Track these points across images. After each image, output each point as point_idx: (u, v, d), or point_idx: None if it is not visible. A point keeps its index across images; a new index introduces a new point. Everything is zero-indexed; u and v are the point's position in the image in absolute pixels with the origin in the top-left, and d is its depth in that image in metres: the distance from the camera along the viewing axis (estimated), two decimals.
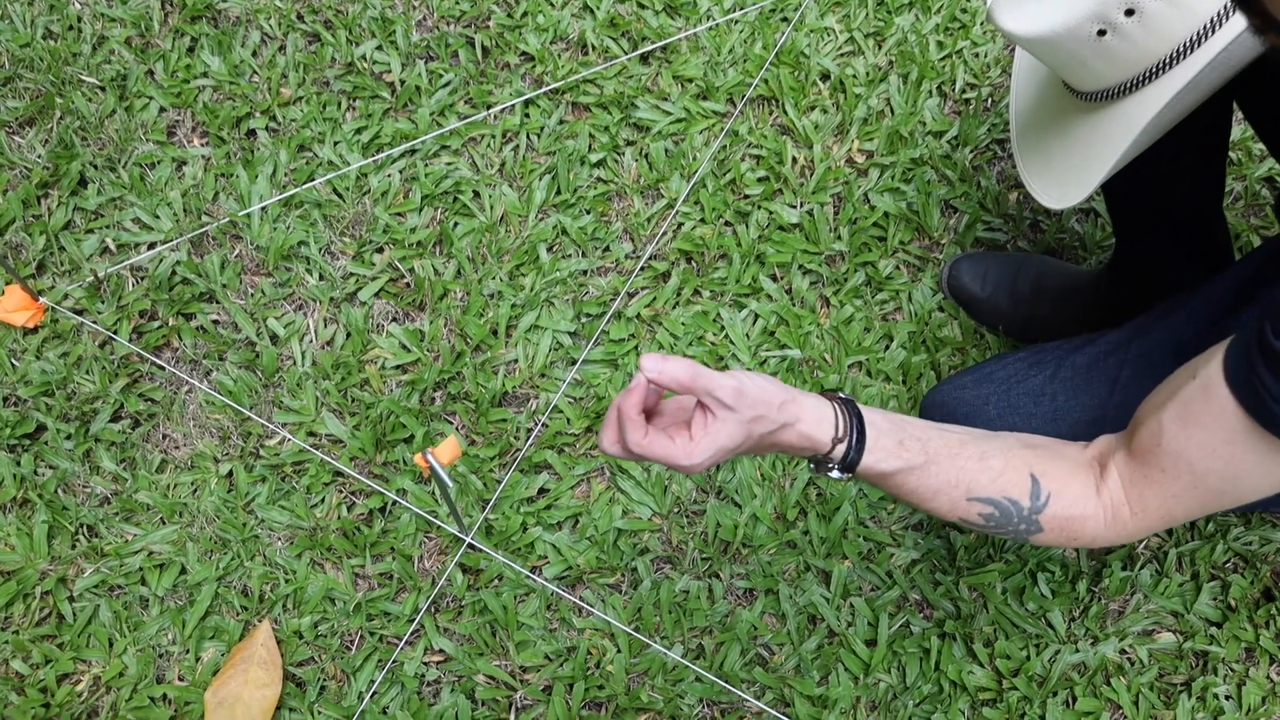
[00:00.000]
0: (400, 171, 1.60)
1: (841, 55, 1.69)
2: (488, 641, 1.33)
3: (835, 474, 0.88)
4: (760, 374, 0.85)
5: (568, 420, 1.44)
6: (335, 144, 1.61)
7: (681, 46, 1.69)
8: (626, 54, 1.68)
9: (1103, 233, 1.57)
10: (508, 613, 1.34)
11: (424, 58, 1.69)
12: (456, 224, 1.56)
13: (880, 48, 1.70)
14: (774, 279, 1.54)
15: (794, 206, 1.58)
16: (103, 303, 1.50)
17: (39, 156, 1.59)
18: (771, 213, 1.58)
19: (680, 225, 1.57)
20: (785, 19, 1.71)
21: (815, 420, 0.86)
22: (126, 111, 1.63)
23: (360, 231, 1.56)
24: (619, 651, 1.32)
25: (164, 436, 1.44)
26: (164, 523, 1.39)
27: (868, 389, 1.46)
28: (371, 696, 1.30)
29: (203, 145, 1.62)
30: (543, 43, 1.69)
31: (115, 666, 1.32)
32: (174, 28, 1.70)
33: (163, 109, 1.64)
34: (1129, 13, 0.88)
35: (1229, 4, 0.86)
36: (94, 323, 1.48)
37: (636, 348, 1.49)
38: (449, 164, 1.60)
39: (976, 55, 1.69)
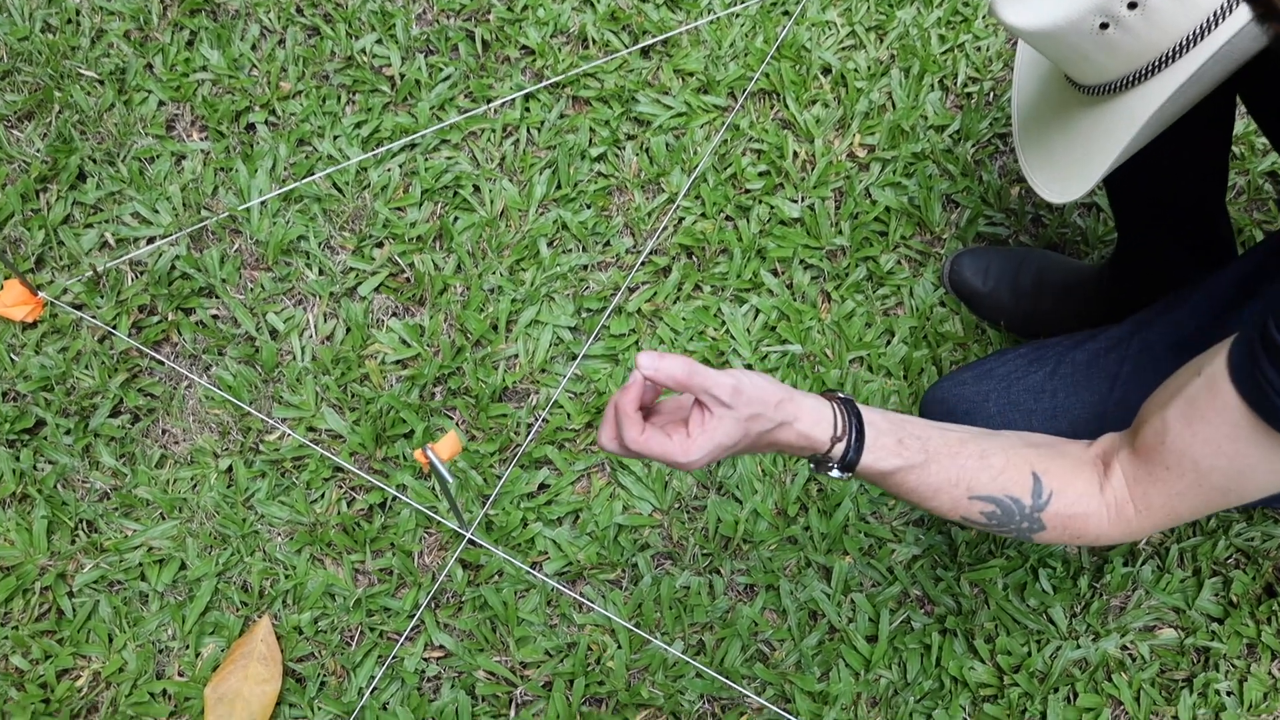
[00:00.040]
0: (400, 166, 1.59)
1: (843, 49, 1.69)
2: (488, 637, 1.33)
3: (835, 473, 0.88)
4: (758, 373, 0.85)
5: (568, 416, 1.44)
6: (335, 138, 1.61)
7: (682, 40, 1.68)
8: (627, 48, 1.68)
9: (1105, 227, 1.56)
10: (508, 608, 1.33)
11: (424, 51, 1.68)
12: (456, 218, 1.56)
13: (882, 41, 1.69)
14: (775, 274, 1.54)
15: (795, 201, 1.58)
16: (102, 297, 1.49)
17: (38, 150, 1.58)
18: (772, 207, 1.57)
19: (681, 220, 1.57)
20: (786, 12, 1.71)
21: (813, 420, 0.86)
22: (125, 105, 1.62)
23: (360, 226, 1.55)
24: (619, 647, 1.32)
25: (163, 431, 1.44)
26: (164, 518, 1.39)
27: (869, 384, 1.45)
28: (372, 692, 1.30)
29: (202, 139, 1.62)
30: (543, 36, 1.68)
31: (115, 662, 1.31)
32: (173, 21, 1.69)
33: (162, 103, 1.63)
34: (1131, 5, 0.87)
35: None
36: (93, 317, 1.48)
37: (637, 343, 1.48)
38: (449, 158, 1.60)
39: (979, 49, 1.68)
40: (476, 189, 1.58)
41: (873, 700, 1.30)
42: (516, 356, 1.48)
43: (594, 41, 1.69)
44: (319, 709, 1.30)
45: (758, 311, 1.51)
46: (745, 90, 1.65)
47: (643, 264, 1.53)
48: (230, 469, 1.41)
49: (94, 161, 1.58)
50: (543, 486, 1.41)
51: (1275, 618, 1.35)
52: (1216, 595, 1.36)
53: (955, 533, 1.38)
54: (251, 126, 1.63)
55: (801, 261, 1.54)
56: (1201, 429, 0.82)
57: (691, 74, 1.66)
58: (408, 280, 1.53)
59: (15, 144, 1.59)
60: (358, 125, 1.62)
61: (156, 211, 1.55)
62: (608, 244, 1.55)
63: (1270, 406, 0.76)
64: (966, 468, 0.90)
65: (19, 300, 1.47)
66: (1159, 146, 1.02)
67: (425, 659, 1.32)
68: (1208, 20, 0.86)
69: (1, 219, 1.54)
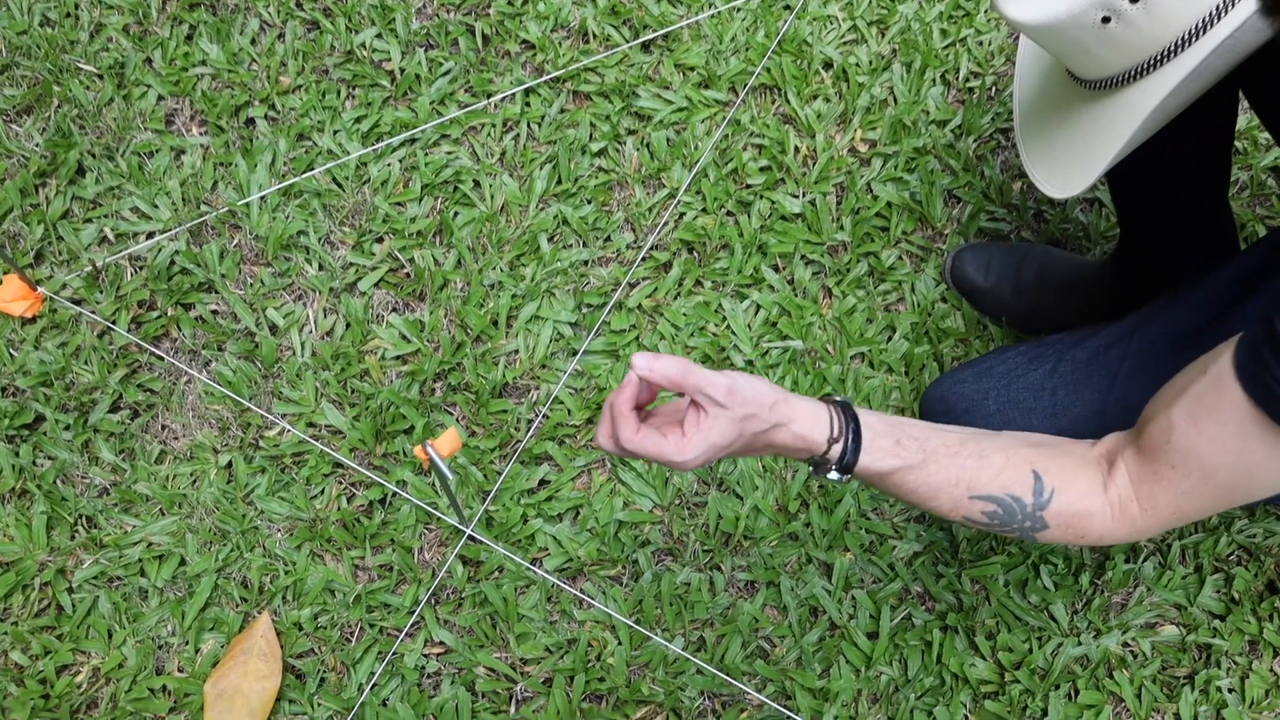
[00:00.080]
0: (400, 160, 1.59)
1: (844, 43, 1.68)
2: (488, 633, 1.32)
3: (834, 475, 0.88)
4: (753, 375, 0.85)
5: (569, 411, 1.44)
6: (335, 133, 1.60)
7: (683, 34, 1.68)
8: (628, 42, 1.67)
9: (1107, 223, 1.56)
10: (508, 605, 1.33)
11: (424, 46, 1.68)
12: (457, 213, 1.55)
13: (883, 36, 1.68)
14: (776, 269, 1.53)
15: (796, 196, 1.57)
16: (101, 292, 1.49)
17: (37, 145, 1.58)
18: (774, 203, 1.57)
19: (682, 215, 1.56)
20: (788, 6, 1.70)
21: (809, 421, 0.86)
22: (124, 100, 1.62)
23: (360, 221, 1.55)
24: (620, 644, 1.32)
25: (163, 427, 1.44)
26: (163, 514, 1.38)
27: (870, 380, 1.45)
28: (372, 688, 1.30)
29: (201, 134, 1.61)
30: (543, 30, 1.68)
31: (114, 658, 1.31)
32: (172, 15, 1.68)
33: (161, 97, 1.63)
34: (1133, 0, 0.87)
35: None
36: (92, 313, 1.47)
37: (638, 338, 1.48)
38: (449, 153, 1.59)
39: (981, 43, 1.68)
40: (477, 184, 1.58)
41: (873, 697, 1.30)
42: (517, 352, 1.47)
43: (594, 36, 1.68)
44: (319, 705, 1.29)
45: (759, 307, 1.50)
46: (746, 85, 1.64)
47: (643, 259, 1.53)
48: (230, 465, 1.41)
49: (93, 156, 1.58)
50: (543, 482, 1.41)
51: (1277, 614, 1.35)
52: (1218, 592, 1.35)
53: (956, 529, 1.37)
54: (251, 121, 1.62)
55: (803, 257, 1.53)
56: (1208, 427, 0.82)
57: (692, 69, 1.66)
58: (408, 275, 1.52)
59: (14, 139, 1.58)
60: (357, 120, 1.61)
61: (156, 206, 1.55)
62: (608, 239, 1.55)
63: (1277, 404, 0.76)
64: (966, 467, 0.90)
65: (18, 295, 1.46)
66: (1161, 139, 1.02)
67: (425, 655, 1.32)
68: (1209, 14, 0.86)
69: (1, 214, 1.53)
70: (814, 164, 1.59)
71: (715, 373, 0.82)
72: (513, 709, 1.30)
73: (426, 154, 1.59)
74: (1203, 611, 1.34)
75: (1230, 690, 1.31)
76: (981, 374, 1.15)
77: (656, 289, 1.51)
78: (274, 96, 1.62)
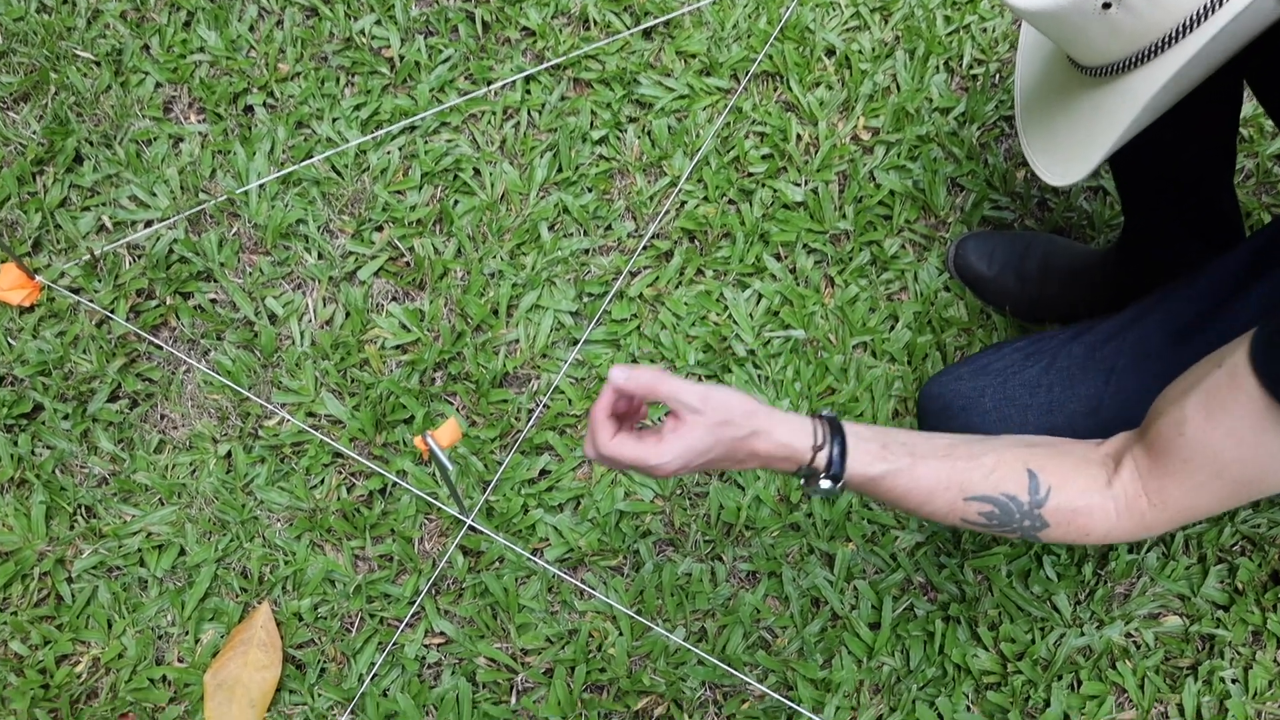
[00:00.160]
0: (400, 149, 1.58)
1: (847, 30, 1.67)
2: (489, 624, 1.32)
3: (826, 484, 0.89)
4: (733, 387, 0.89)
5: (569, 401, 1.43)
6: (334, 120, 1.59)
7: (684, 21, 1.67)
8: (629, 29, 1.66)
9: (1111, 211, 1.55)
10: (509, 595, 1.33)
11: (423, 33, 1.66)
12: (457, 202, 1.54)
13: (886, 22, 1.67)
14: (778, 258, 1.52)
15: (798, 184, 1.56)
16: (99, 281, 1.48)
17: (34, 132, 1.57)
18: (776, 191, 1.56)
19: (683, 204, 1.55)
20: None
21: (790, 430, 0.88)
22: (122, 87, 1.61)
23: (359, 209, 1.54)
24: (621, 634, 1.32)
25: (162, 417, 1.43)
26: (162, 504, 1.38)
27: (872, 370, 1.44)
28: (372, 679, 1.30)
29: (200, 122, 1.60)
30: (544, 17, 1.66)
31: (114, 648, 1.31)
32: (169, 1, 1.67)
33: (159, 84, 1.62)
34: None
35: None
36: (91, 301, 1.47)
37: (639, 328, 1.47)
38: (449, 141, 1.58)
39: (984, 30, 1.66)
40: (477, 172, 1.57)
41: (875, 688, 1.30)
42: (517, 341, 1.47)
43: (595, 23, 1.67)
44: (319, 696, 1.29)
45: (760, 296, 1.49)
46: (748, 72, 1.63)
47: (644, 248, 1.52)
48: (229, 454, 1.40)
49: (91, 144, 1.57)
50: (544, 472, 1.40)
51: None
52: (1222, 582, 1.35)
53: None
54: (250, 109, 1.61)
55: (805, 246, 1.53)
56: (1223, 420, 0.81)
57: (694, 56, 1.64)
58: (408, 264, 1.51)
59: (11, 126, 1.58)
60: (357, 107, 1.60)
61: (154, 194, 1.54)
62: (609, 228, 1.54)
63: None
64: (957, 468, 0.90)
65: (16, 284, 1.46)
66: (1162, 125, 1.01)
67: (426, 646, 1.32)
68: (1211, 0, 0.85)
69: None
70: (816, 152, 1.58)
71: (691, 382, 0.85)
72: (513, 700, 1.30)
73: (426, 142, 1.58)
74: (1206, 602, 1.34)
75: (1234, 681, 1.30)
76: (978, 371, 1.15)
77: (658, 278, 1.50)
78: (272, 84, 1.61)
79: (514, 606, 1.33)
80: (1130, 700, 1.30)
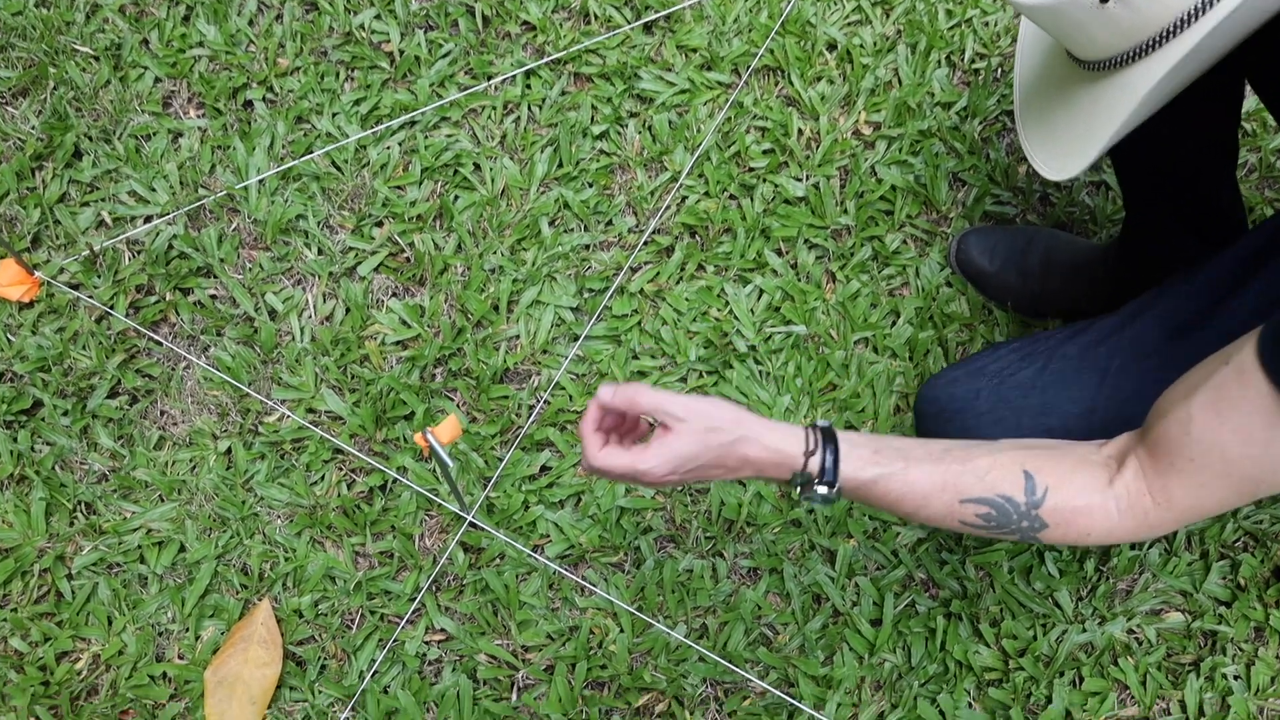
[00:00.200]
0: (400, 144, 1.57)
1: (848, 24, 1.66)
2: (489, 621, 1.32)
3: (822, 490, 0.90)
4: (722, 398, 0.91)
5: (570, 397, 1.43)
6: (333, 115, 1.58)
7: (685, 15, 1.66)
8: (629, 23, 1.65)
9: (1113, 206, 1.54)
10: (509, 592, 1.33)
11: (423, 27, 1.66)
12: (457, 197, 1.54)
13: (888, 17, 1.66)
14: (779, 253, 1.52)
15: (800, 179, 1.56)
16: (99, 277, 1.48)
17: (33, 128, 1.56)
18: (777, 186, 1.55)
19: (684, 199, 1.55)
20: None
21: (780, 435, 0.89)
22: (121, 82, 1.60)
23: (359, 205, 1.53)
24: (622, 631, 1.31)
25: (162, 413, 1.43)
26: (162, 500, 1.38)
27: (874, 365, 1.44)
28: (372, 676, 1.29)
29: (199, 116, 1.60)
30: (544, 11, 1.66)
31: (114, 645, 1.31)
32: None
33: (158, 79, 1.61)
34: None
35: None
36: (90, 297, 1.46)
37: (640, 323, 1.47)
38: (449, 136, 1.58)
39: (986, 24, 1.66)
40: (477, 167, 1.56)
41: (877, 684, 1.30)
42: (518, 337, 1.46)
43: (596, 17, 1.66)
44: (320, 692, 1.29)
45: (761, 292, 1.49)
46: (749, 66, 1.62)
47: (645, 243, 1.52)
48: (229, 451, 1.40)
49: (90, 139, 1.56)
50: (544, 469, 1.40)
51: None
52: (1224, 578, 1.35)
53: None
54: (249, 103, 1.61)
55: (806, 241, 1.52)
56: (1231, 417, 0.81)
57: (695, 50, 1.64)
58: (408, 260, 1.51)
59: (10, 121, 1.57)
60: (357, 102, 1.60)
61: (153, 190, 1.54)
62: (610, 223, 1.53)
63: None
64: (951, 470, 0.90)
65: (15, 280, 1.45)
66: (1159, 120, 1.01)
67: (426, 642, 1.32)
68: None
69: None
70: (817, 147, 1.58)
71: (677, 393, 0.88)
72: (514, 696, 1.30)
73: (426, 137, 1.57)
74: (1208, 598, 1.34)
75: (1236, 677, 1.30)
76: (973, 373, 1.15)
77: (658, 273, 1.50)
78: (272, 79, 1.61)
79: (515, 603, 1.32)
80: (1132, 697, 1.30)
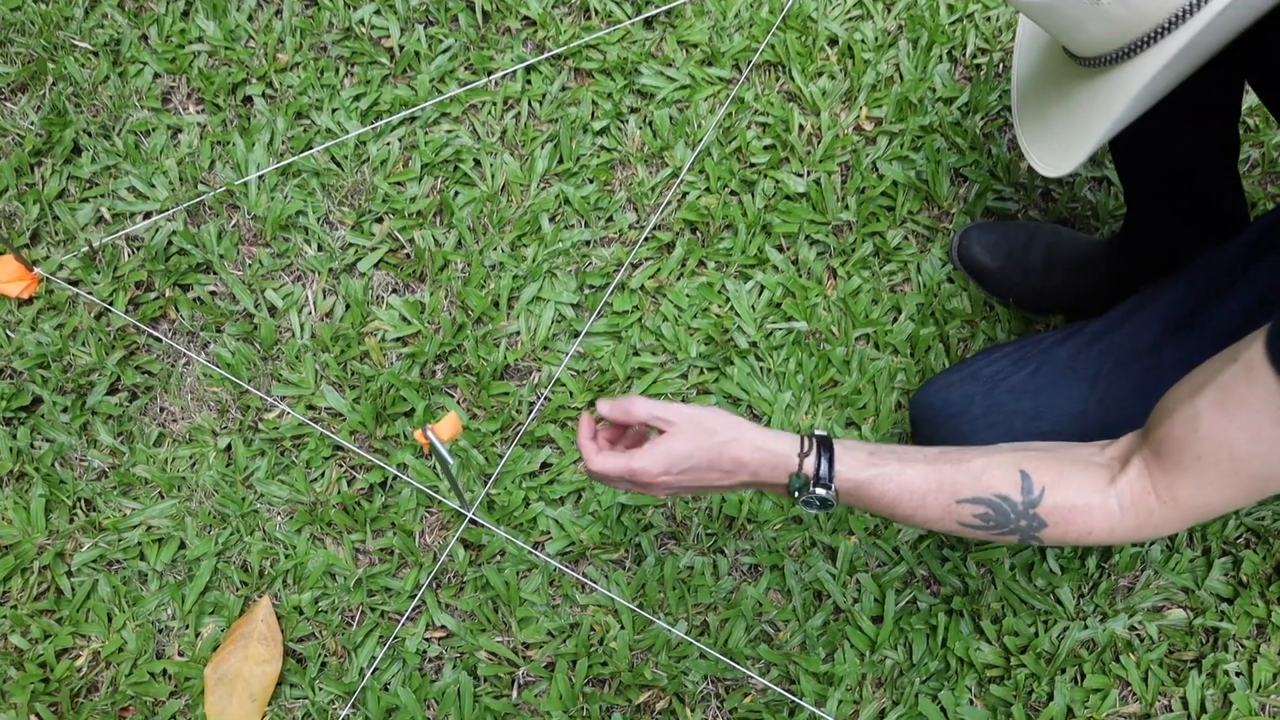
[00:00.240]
0: (399, 139, 1.57)
1: (850, 19, 1.66)
2: (490, 618, 1.32)
3: (820, 492, 0.91)
4: (717, 408, 0.95)
5: (570, 394, 1.42)
6: (333, 111, 1.58)
7: (686, 10, 1.65)
8: (630, 18, 1.65)
9: (1115, 201, 1.54)
10: (510, 589, 1.32)
11: (423, 22, 1.65)
12: (457, 193, 1.53)
13: (889, 11, 1.66)
14: (780, 250, 1.52)
15: (801, 175, 1.55)
16: (98, 273, 1.47)
17: (31, 123, 1.56)
18: (778, 182, 1.55)
19: (685, 195, 1.55)
20: None
21: (775, 438, 0.92)
22: (120, 77, 1.60)
23: (359, 201, 1.53)
24: (622, 628, 1.31)
25: (161, 409, 1.42)
26: (162, 497, 1.37)
27: (875, 361, 1.43)
28: (373, 673, 1.29)
29: (198, 112, 1.59)
30: (544, 7, 1.65)
31: (114, 642, 1.31)
32: None
33: (157, 75, 1.61)
34: None
35: None
36: (89, 294, 1.46)
37: (640, 320, 1.46)
38: (449, 132, 1.57)
39: (988, 19, 1.65)
40: (477, 163, 1.56)
41: (878, 681, 1.29)
42: (518, 334, 1.46)
43: (596, 12, 1.66)
44: (320, 689, 1.29)
45: (763, 288, 1.49)
46: (750, 62, 1.62)
47: (646, 240, 1.51)
48: (229, 447, 1.40)
49: (89, 135, 1.56)
50: (545, 465, 1.40)
51: None
52: (1226, 575, 1.34)
53: None
54: (249, 99, 1.60)
55: (807, 237, 1.52)
56: (1240, 415, 0.80)
57: (695, 45, 1.63)
58: (408, 256, 1.51)
59: (9, 117, 1.57)
60: (356, 98, 1.59)
61: (153, 186, 1.53)
62: (610, 219, 1.53)
63: None
64: (946, 471, 0.91)
65: (14, 276, 1.45)
66: (1156, 113, 1.01)
67: (427, 639, 1.31)
68: None
69: None
70: (819, 142, 1.57)
71: (672, 402, 0.92)
72: (515, 693, 1.30)
73: (426, 133, 1.57)
74: (1210, 595, 1.33)
75: (1238, 674, 1.30)
76: (967, 378, 1.16)
77: (659, 269, 1.49)
78: (272, 74, 1.60)
79: (515, 600, 1.32)
80: (1134, 693, 1.29)
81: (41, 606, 1.32)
